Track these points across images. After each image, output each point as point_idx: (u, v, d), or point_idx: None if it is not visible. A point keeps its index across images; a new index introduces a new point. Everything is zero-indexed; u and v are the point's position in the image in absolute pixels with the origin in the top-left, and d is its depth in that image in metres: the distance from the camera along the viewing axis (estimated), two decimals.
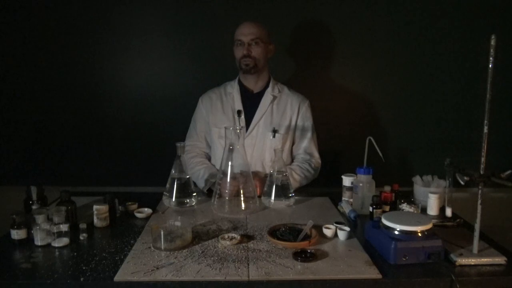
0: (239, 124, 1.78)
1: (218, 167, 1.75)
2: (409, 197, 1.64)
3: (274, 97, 1.93)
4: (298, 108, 1.94)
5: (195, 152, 1.98)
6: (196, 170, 1.88)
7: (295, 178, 1.84)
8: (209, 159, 1.99)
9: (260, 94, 1.94)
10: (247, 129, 1.89)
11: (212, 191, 1.69)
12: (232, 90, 1.95)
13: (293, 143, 1.97)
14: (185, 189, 1.64)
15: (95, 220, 1.44)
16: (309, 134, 1.94)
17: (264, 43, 1.85)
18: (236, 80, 1.97)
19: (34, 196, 1.50)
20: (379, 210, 1.50)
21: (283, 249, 1.26)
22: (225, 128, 1.59)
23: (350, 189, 1.66)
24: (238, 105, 1.90)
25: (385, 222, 1.24)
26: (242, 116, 1.82)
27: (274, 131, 1.88)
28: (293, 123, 1.93)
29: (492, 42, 1.12)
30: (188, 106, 2.19)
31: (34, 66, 2.29)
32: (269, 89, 1.93)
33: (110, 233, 1.41)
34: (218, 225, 1.46)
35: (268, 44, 1.89)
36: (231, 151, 1.58)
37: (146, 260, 1.19)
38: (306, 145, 1.94)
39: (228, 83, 2.00)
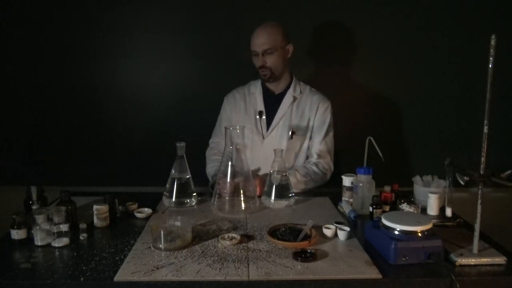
0: (260, 124, 1.81)
1: None
2: (409, 197, 1.63)
3: (295, 98, 1.93)
4: (316, 109, 1.93)
5: (217, 149, 2.00)
6: (210, 167, 1.91)
7: (298, 178, 1.82)
8: None
9: (282, 95, 1.94)
10: (267, 130, 1.91)
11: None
12: (255, 91, 1.96)
13: None
14: (185, 189, 1.64)
15: (95, 220, 1.44)
16: (322, 135, 1.92)
17: (279, 49, 1.84)
18: (260, 81, 1.98)
19: (34, 196, 1.50)
20: (379, 210, 1.50)
21: (283, 249, 1.26)
22: (225, 128, 1.59)
23: (350, 189, 1.66)
24: (260, 106, 1.92)
25: (385, 222, 1.24)
26: (264, 117, 1.84)
27: (292, 133, 1.89)
28: (311, 124, 1.93)
29: (492, 42, 1.12)
30: (188, 106, 2.20)
31: (34, 66, 2.29)
32: (290, 90, 1.94)
33: (110, 233, 1.41)
34: (218, 225, 1.46)
35: (284, 47, 1.87)
36: (234, 151, 1.58)
37: (146, 260, 1.19)
38: (317, 146, 1.93)
39: (252, 83, 2.01)
